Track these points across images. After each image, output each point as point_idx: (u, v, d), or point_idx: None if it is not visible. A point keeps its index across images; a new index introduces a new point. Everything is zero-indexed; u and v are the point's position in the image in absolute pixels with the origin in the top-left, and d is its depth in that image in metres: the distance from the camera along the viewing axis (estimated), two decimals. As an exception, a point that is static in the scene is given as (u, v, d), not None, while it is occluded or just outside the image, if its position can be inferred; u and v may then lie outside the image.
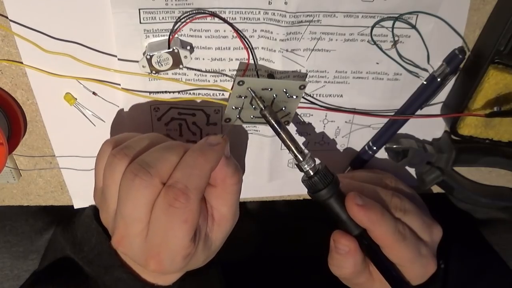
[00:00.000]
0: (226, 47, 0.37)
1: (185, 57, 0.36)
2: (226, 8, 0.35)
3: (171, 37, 0.35)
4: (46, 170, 0.43)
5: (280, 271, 0.53)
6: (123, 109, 0.39)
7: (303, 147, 0.34)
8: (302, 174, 0.35)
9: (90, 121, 0.39)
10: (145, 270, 0.36)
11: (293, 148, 0.34)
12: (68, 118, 0.39)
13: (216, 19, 0.36)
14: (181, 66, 0.36)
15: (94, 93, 0.38)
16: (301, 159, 0.34)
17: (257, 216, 0.52)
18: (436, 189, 0.46)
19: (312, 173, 0.34)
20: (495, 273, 0.42)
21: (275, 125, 0.34)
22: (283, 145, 0.35)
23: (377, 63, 0.39)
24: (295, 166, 0.36)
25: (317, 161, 0.35)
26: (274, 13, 0.35)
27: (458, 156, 0.42)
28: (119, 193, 0.32)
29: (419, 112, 0.41)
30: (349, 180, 0.38)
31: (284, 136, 0.34)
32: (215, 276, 0.40)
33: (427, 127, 0.43)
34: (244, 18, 0.36)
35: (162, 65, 0.36)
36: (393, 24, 0.37)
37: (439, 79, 0.39)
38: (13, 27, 0.34)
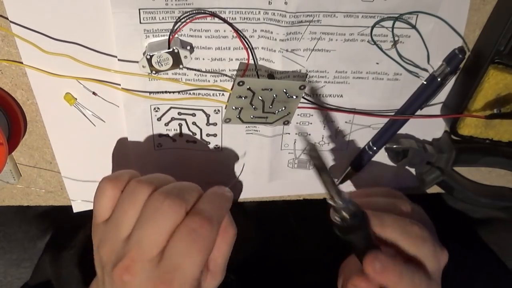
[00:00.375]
0: (226, 47, 0.37)
1: (185, 57, 0.36)
2: (226, 8, 0.35)
3: (171, 37, 0.35)
4: (46, 170, 0.43)
5: (280, 272, 0.53)
6: (123, 109, 0.39)
7: (342, 191, 0.32)
8: (330, 206, 0.33)
9: (90, 121, 0.39)
10: None
11: (333, 193, 0.32)
12: (68, 118, 0.39)
13: (216, 19, 0.36)
14: (181, 66, 0.36)
15: (94, 93, 0.38)
16: (341, 204, 0.32)
17: (257, 216, 0.52)
18: (436, 189, 0.46)
19: (348, 217, 0.32)
20: (491, 272, 0.41)
21: (319, 168, 0.32)
22: (306, 164, 0.35)
23: (377, 63, 0.39)
24: (295, 166, 0.36)
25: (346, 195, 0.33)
26: (274, 13, 0.35)
27: (458, 156, 0.42)
28: (141, 217, 0.32)
29: (419, 112, 0.41)
30: (368, 210, 0.36)
31: (325, 179, 0.32)
32: None
33: (427, 127, 0.43)
34: (244, 18, 0.36)
35: (162, 65, 0.36)
36: (393, 24, 0.37)
37: (439, 79, 0.39)
38: (13, 28, 0.34)
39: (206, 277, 0.34)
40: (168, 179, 0.35)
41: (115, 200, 0.34)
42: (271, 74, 0.38)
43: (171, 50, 0.35)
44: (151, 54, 0.35)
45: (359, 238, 0.33)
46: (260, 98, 0.37)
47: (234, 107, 0.37)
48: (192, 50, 0.37)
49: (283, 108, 0.38)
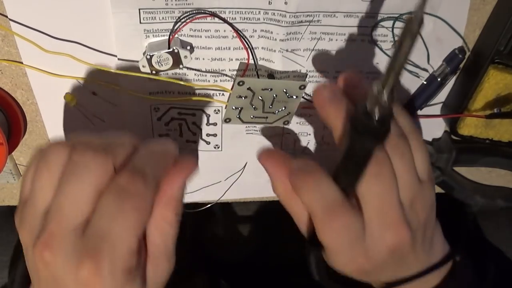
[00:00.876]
0: (226, 47, 0.37)
1: (185, 57, 0.36)
2: (226, 8, 0.35)
3: (171, 37, 0.35)
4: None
5: (280, 272, 0.53)
6: (123, 109, 0.39)
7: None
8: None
9: (90, 121, 0.39)
10: None
11: (391, 75, 0.24)
12: (68, 118, 0.39)
13: (216, 19, 0.36)
14: (181, 66, 0.36)
15: (94, 93, 0.38)
16: (385, 96, 0.25)
17: (257, 216, 0.52)
18: (436, 189, 0.46)
19: (376, 118, 0.26)
20: (499, 267, 0.41)
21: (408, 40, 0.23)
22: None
23: (377, 63, 0.39)
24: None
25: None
26: (274, 13, 0.35)
27: (458, 156, 0.42)
28: (60, 180, 0.26)
29: (419, 112, 0.41)
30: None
31: (403, 55, 0.24)
32: (201, 283, 0.39)
33: (427, 127, 0.43)
34: (244, 18, 0.36)
35: (162, 65, 0.36)
36: (393, 24, 0.37)
37: (439, 79, 0.39)
38: (13, 26, 0.34)
39: (147, 263, 0.28)
40: (94, 136, 0.28)
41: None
42: (271, 74, 0.38)
43: (171, 50, 0.35)
44: (151, 54, 0.35)
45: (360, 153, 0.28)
46: (260, 98, 0.37)
47: (234, 107, 0.37)
48: (192, 50, 0.37)
49: (283, 108, 0.38)
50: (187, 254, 0.31)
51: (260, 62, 0.38)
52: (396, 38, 0.38)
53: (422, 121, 0.42)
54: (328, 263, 0.33)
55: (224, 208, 0.43)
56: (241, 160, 0.44)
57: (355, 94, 0.32)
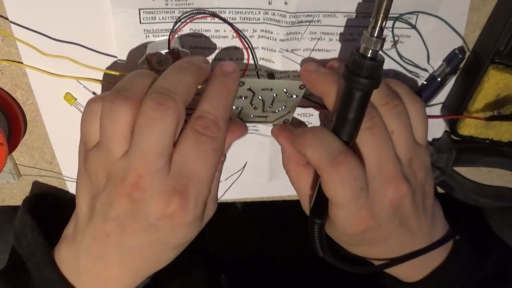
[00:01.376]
0: (226, 47, 0.37)
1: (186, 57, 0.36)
2: (226, 8, 0.35)
3: (171, 37, 0.35)
4: (46, 170, 0.43)
5: (280, 271, 0.53)
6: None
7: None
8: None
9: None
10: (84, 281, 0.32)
11: (381, 14, 0.28)
12: (68, 118, 0.39)
13: (216, 19, 0.36)
14: None
15: (94, 93, 0.38)
16: (376, 33, 0.28)
17: (257, 216, 0.52)
18: (436, 189, 0.46)
19: (369, 56, 0.29)
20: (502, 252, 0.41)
21: None
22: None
23: (377, 63, 0.39)
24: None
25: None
26: (274, 13, 0.35)
27: (458, 156, 0.42)
28: (137, 130, 0.29)
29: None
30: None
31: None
32: (200, 277, 0.40)
33: (427, 127, 0.43)
34: (244, 18, 0.36)
35: (162, 65, 0.36)
36: (393, 24, 0.37)
37: (439, 79, 0.39)
38: (13, 27, 0.34)
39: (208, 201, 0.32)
40: (142, 73, 0.31)
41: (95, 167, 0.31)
42: (271, 74, 0.38)
43: (171, 50, 0.35)
44: (151, 54, 0.35)
45: (354, 102, 0.30)
46: (260, 98, 0.37)
47: (234, 107, 0.37)
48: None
49: (283, 107, 0.38)
50: (186, 250, 0.32)
51: (260, 62, 0.38)
52: (396, 38, 0.38)
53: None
54: (332, 234, 0.35)
55: (224, 208, 0.43)
56: (241, 160, 0.44)
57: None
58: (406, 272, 0.37)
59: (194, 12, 0.35)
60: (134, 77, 0.31)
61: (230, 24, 0.36)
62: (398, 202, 0.32)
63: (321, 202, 0.33)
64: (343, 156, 0.30)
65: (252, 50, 0.37)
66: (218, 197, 0.43)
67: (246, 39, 0.37)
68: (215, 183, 0.33)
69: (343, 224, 0.33)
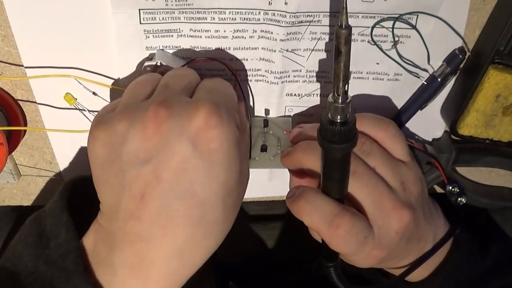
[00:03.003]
0: (226, 47, 0.37)
1: None
2: (226, 9, 0.35)
3: (189, 62, 0.36)
4: (46, 170, 0.43)
5: (280, 272, 0.53)
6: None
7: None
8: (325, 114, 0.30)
9: (90, 121, 0.39)
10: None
11: (341, 81, 0.27)
12: (68, 118, 0.39)
13: (216, 19, 0.36)
14: None
15: (94, 93, 0.38)
16: (341, 101, 0.28)
17: (257, 216, 0.52)
18: (436, 189, 0.46)
19: (339, 122, 0.29)
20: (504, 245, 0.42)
21: (343, 47, 0.27)
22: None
23: (377, 64, 0.39)
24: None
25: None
26: (274, 14, 0.35)
27: (458, 156, 0.42)
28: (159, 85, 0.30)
29: (419, 112, 0.41)
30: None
31: (344, 62, 0.27)
32: (208, 283, 0.40)
33: (427, 127, 0.43)
34: (244, 18, 0.36)
35: None
36: (393, 24, 0.37)
37: (439, 79, 0.39)
38: (14, 28, 0.34)
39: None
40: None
41: (109, 145, 0.28)
42: (266, 120, 0.40)
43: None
44: (161, 63, 0.35)
45: (337, 164, 0.30)
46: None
47: None
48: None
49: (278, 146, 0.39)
50: None
51: (260, 62, 0.38)
52: (396, 39, 0.38)
53: (422, 121, 0.42)
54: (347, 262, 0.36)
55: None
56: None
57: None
58: (413, 273, 0.37)
59: (194, 12, 0.35)
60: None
61: (224, 63, 0.37)
62: (404, 230, 0.33)
63: (330, 250, 0.34)
64: (339, 218, 0.31)
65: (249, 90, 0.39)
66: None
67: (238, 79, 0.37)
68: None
69: (357, 263, 0.34)
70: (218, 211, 0.28)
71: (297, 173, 0.36)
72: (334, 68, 0.27)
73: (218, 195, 0.27)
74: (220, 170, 0.27)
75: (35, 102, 0.38)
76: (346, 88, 0.27)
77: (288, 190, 0.36)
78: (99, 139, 0.28)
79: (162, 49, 0.36)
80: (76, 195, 0.33)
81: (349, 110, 0.28)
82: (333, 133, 0.28)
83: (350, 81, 0.40)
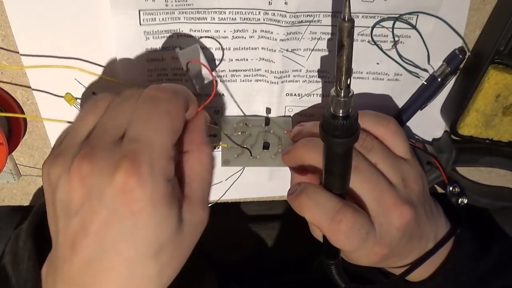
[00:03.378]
0: (226, 47, 0.37)
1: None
2: (226, 9, 0.35)
3: (210, 69, 0.36)
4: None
5: (280, 272, 0.53)
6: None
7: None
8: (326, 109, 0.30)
9: (90, 121, 0.39)
10: None
11: (343, 75, 0.27)
12: (68, 118, 0.39)
13: (216, 19, 0.36)
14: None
15: (94, 93, 0.38)
16: (343, 95, 0.28)
17: (257, 216, 0.52)
18: (436, 189, 0.46)
19: (341, 116, 0.28)
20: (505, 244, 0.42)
21: (346, 40, 0.27)
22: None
23: (378, 64, 0.39)
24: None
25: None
26: (274, 13, 0.35)
27: (458, 156, 0.42)
28: (104, 112, 0.28)
29: (419, 112, 0.41)
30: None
31: (346, 55, 0.27)
32: (210, 283, 0.40)
33: (427, 127, 0.43)
34: (244, 18, 0.36)
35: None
36: (393, 24, 0.37)
37: (439, 79, 0.39)
38: (14, 29, 0.34)
39: (183, 203, 0.27)
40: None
41: (48, 186, 0.28)
42: (267, 118, 0.40)
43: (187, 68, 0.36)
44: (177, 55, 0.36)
45: (338, 158, 0.30)
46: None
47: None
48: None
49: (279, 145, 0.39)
50: (191, 256, 0.30)
51: (260, 62, 0.38)
52: (396, 39, 0.38)
53: (422, 121, 0.42)
54: (348, 261, 0.36)
55: (224, 208, 0.43)
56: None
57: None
58: (414, 273, 0.37)
59: (194, 12, 0.35)
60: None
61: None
62: (405, 227, 0.33)
63: (331, 246, 0.34)
64: (341, 213, 0.31)
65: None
66: (219, 198, 0.43)
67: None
68: (203, 181, 0.29)
69: (358, 260, 0.34)
70: (149, 267, 0.26)
71: (298, 170, 0.36)
72: (337, 61, 0.27)
73: (146, 254, 0.26)
74: (146, 230, 0.25)
75: (35, 103, 0.38)
76: (348, 82, 0.27)
77: (289, 188, 0.36)
78: (43, 176, 0.28)
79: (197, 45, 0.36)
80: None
81: (351, 104, 0.28)
82: (335, 127, 0.28)
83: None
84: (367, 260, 0.34)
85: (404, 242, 0.34)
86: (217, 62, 0.38)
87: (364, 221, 0.32)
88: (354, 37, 0.37)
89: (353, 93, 0.28)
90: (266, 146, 0.39)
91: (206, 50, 0.37)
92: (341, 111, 0.28)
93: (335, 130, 0.29)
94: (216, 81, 0.37)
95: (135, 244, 0.25)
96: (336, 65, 0.27)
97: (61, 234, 0.26)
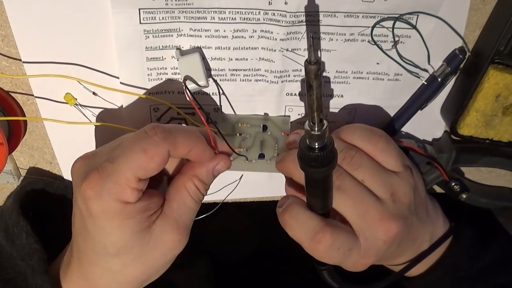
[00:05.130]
0: (226, 47, 0.37)
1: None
2: (226, 9, 0.35)
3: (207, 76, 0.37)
4: (46, 170, 0.43)
5: (280, 271, 0.53)
6: (122, 109, 0.39)
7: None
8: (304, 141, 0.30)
9: (90, 121, 0.39)
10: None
11: (315, 112, 0.28)
12: (68, 118, 0.39)
13: (216, 19, 0.36)
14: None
15: (94, 93, 0.38)
16: (316, 129, 0.28)
17: (257, 216, 0.52)
18: (436, 189, 0.46)
19: (317, 148, 0.29)
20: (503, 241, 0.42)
21: (313, 82, 0.27)
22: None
23: (378, 63, 0.39)
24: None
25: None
26: (274, 13, 0.35)
27: (458, 156, 0.42)
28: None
29: (419, 112, 0.41)
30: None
31: (316, 95, 0.27)
32: (204, 267, 0.40)
33: (427, 127, 0.43)
34: (244, 18, 0.36)
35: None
36: (394, 24, 0.37)
37: (439, 79, 0.39)
38: (14, 29, 0.34)
39: (158, 217, 0.31)
40: None
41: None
42: (262, 154, 0.40)
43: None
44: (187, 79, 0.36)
45: (318, 184, 0.31)
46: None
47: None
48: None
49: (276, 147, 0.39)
50: (188, 248, 0.33)
51: (260, 62, 0.38)
52: (396, 39, 0.38)
53: (422, 121, 0.42)
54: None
55: (224, 208, 0.43)
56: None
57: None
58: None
59: (194, 12, 0.35)
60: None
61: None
62: (392, 239, 0.34)
63: None
64: (321, 234, 0.32)
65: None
66: (219, 198, 0.43)
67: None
68: (183, 206, 0.32)
69: (347, 268, 0.35)
70: (110, 262, 0.31)
71: (289, 179, 0.37)
72: (307, 100, 0.28)
73: (106, 252, 0.31)
74: (103, 233, 0.30)
75: (35, 103, 0.38)
76: (320, 117, 0.28)
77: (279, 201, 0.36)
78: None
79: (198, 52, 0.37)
80: (33, 196, 0.38)
81: (325, 136, 0.29)
82: (312, 159, 0.29)
83: (350, 81, 0.40)
84: (354, 268, 0.35)
85: (392, 250, 0.35)
86: (216, 63, 0.38)
87: (345, 239, 0.33)
88: (355, 37, 0.37)
89: (327, 125, 0.28)
90: (261, 156, 0.40)
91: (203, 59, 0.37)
92: (316, 143, 0.29)
93: (311, 161, 0.29)
94: (207, 118, 0.37)
95: (94, 242, 0.30)
96: (307, 103, 0.28)
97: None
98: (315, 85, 0.27)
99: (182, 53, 0.37)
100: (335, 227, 0.33)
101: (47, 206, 0.38)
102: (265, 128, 0.40)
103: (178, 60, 0.37)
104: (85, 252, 0.31)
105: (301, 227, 0.33)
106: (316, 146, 0.29)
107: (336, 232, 0.32)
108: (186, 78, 0.36)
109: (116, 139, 0.32)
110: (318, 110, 0.28)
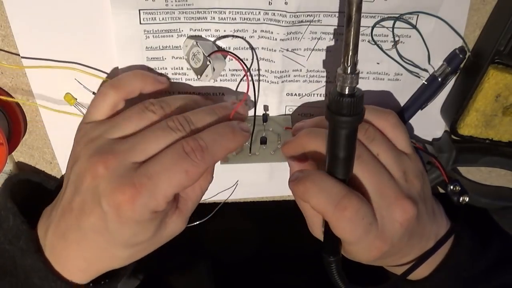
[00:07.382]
0: (226, 47, 0.37)
1: (206, 75, 0.36)
2: (226, 9, 0.35)
3: (220, 52, 0.36)
4: (46, 170, 0.43)
5: (280, 271, 0.53)
6: (122, 109, 0.39)
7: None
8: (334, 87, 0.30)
9: (90, 121, 0.39)
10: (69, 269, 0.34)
11: (350, 51, 0.27)
12: (68, 118, 0.39)
13: (216, 19, 0.36)
14: (198, 76, 0.37)
15: (94, 93, 0.38)
16: (350, 71, 0.28)
17: (257, 216, 0.52)
18: (436, 189, 0.46)
19: (348, 94, 0.29)
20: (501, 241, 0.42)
21: (354, 14, 0.27)
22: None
23: (378, 63, 0.39)
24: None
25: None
26: (274, 13, 0.35)
27: (458, 156, 0.42)
28: (142, 133, 0.32)
29: (419, 112, 0.41)
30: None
31: (355, 30, 0.27)
32: (204, 270, 0.40)
33: (427, 127, 0.43)
34: (244, 18, 0.36)
35: (193, 59, 0.36)
36: (394, 24, 0.37)
37: (439, 79, 0.39)
38: (14, 28, 0.34)
39: (174, 213, 0.33)
40: (188, 101, 0.35)
41: (114, 107, 0.34)
42: (265, 114, 0.40)
43: (207, 58, 0.36)
44: (198, 44, 0.35)
45: (343, 139, 0.30)
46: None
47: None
48: (216, 74, 0.37)
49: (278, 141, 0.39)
50: (187, 249, 0.33)
51: (260, 62, 0.38)
52: (396, 39, 0.38)
53: (422, 121, 0.42)
54: (347, 257, 0.35)
55: (224, 208, 0.43)
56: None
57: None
58: (415, 271, 0.37)
59: (194, 12, 0.35)
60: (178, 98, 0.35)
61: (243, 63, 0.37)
62: (407, 222, 0.33)
63: (332, 240, 0.33)
64: (347, 200, 0.31)
65: (253, 83, 0.38)
66: (219, 198, 0.43)
67: (245, 65, 0.37)
68: (196, 205, 0.34)
69: (359, 255, 0.34)
70: (121, 251, 0.33)
71: (299, 159, 0.35)
72: (345, 36, 0.27)
73: (121, 244, 0.32)
74: (125, 235, 0.31)
75: (35, 102, 0.38)
76: (355, 59, 0.28)
77: (288, 189, 0.35)
78: (79, 132, 0.34)
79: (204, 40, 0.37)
80: (20, 189, 0.38)
81: (357, 82, 0.28)
82: (342, 105, 0.29)
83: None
84: (367, 254, 0.33)
85: (405, 240, 0.34)
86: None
87: (368, 210, 0.31)
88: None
89: (359, 71, 0.28)
90: (263, 141, 0.39)
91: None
92: (347, 88, 0.28)
93: (341, 109, 0.29)
94: (251, 82, 0.38)
95: (115, 239, 0.31)
96: (344, 41, 0.27)
97: (66, 196, 0.32)
98: (355, 18, 0.26)
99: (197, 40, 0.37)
100: (359, 195, 0.32)
101: (42, 200, 0.38)
102: (265, 119, 0.39)
103: (198, 44, 0.36)
104: (93, 240, 0.32)
105: (325, 193, 0.31)
106: (347, 92, 0.29)
107: (361, 200, 0.31)
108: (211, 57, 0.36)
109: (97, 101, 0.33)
110: (355, 49, 0.27)
